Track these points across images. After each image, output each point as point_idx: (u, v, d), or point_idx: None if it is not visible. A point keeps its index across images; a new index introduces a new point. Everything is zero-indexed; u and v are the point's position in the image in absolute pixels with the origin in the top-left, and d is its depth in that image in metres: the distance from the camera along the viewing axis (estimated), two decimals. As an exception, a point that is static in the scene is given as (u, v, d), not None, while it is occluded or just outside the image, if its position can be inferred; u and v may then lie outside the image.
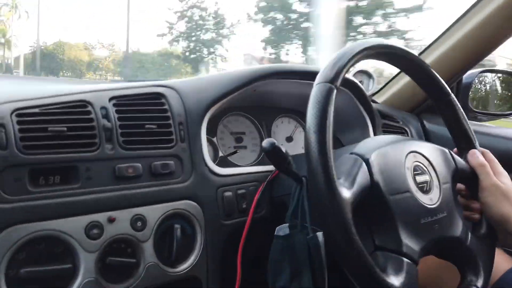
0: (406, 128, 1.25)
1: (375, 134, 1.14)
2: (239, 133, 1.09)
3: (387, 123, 1.20)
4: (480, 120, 1.34)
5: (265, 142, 0.72)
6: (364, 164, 0.64)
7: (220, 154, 1.02)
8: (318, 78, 0.62)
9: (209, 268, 0.81)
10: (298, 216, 0.75)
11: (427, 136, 1.27)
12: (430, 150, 0.75)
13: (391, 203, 0.64)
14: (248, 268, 0.85)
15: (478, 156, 0.78)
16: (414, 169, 0.70)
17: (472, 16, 1.09)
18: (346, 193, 0.59)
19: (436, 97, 0.80)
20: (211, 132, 1.02)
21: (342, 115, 1.15)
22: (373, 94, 1.39)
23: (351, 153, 0.68)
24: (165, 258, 0.76)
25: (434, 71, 0.77)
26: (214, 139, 1.02)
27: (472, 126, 1.18)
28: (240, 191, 0.88)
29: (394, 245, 0.63)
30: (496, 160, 0.80)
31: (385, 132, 1.18)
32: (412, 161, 0.71)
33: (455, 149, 0.83)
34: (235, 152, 1.04)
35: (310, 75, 0.98)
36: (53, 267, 0.64)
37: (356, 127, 1.16)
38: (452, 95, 0.80)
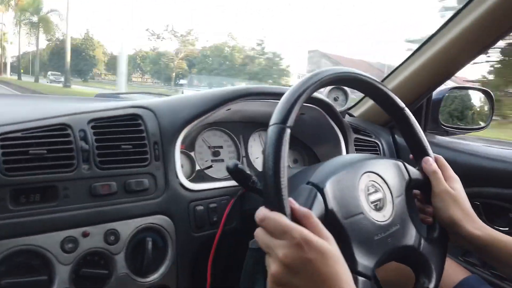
0: (378, 142, 1.32)
1: (347, 148, 1.20)
2: (217, 147, 1.15)
3: (359, 138, 1.26)
4: (451, 135, 1.40)
5: (229, 164, 0.78)
6: (318, 194, 0.68)
7: (197, 167, 1.08)
8: (272, 119, 0.65)
9: (179, 278, 0.88)
10: None
11: (397, 149, 1.33)
12: (383, 166, 0.80)
13: (345, 226, 0.68)
14: (219, 277, 0.91)
15: (431, 164, 0.83)
16: (368, 189, 0.75)
17: (436, 40, 1.15)
18: None
19: (391, 111, 0.85)
20: (190, 146, 1.08)
21: (316, 130, 1.21)
22: (350, 108, 1.45)
23: (308, 183, 0.72)
24: (136, 269, 0.82)
25: (386, 88, 0.81)
26: (192, 153, 1.08)
27: (439, 141, 1.25)
28: (211, 205, 0.94)
29: (349, 264, 0.66)
30: (448, 166, 0.85)
31: (357, 146, 1.24)
32: (366, 181, 0.76)
33: (411, 156, 0.88)
34: (210, 167, 1.10)
35: (279, 96, 1.04)
36: (30, 279, 0.71)
37: (329, 141, 1.22)
38: (406, 109, 0.84)
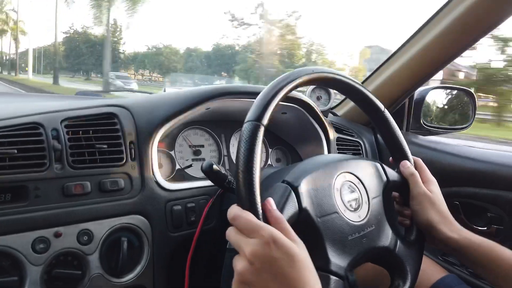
0: (360, 141, 1.32)
1: (328, 148, 1.21)
2: (198, 146, 1.14)
3: (341, 137, 1.26)
4: (433, 134, 1.40)
5: (203, 164, 0.77)
6: (293, 193, 0.68)
7: (177, 167, 1.07)
8: (247, 117, 0.65)
9: (155, 277, 0.87)
10: None
11: (379, 148, 1.33)
12: (361, 167, 0.80)
13: (319, 225, 0.68)
14: (198, 277, 0.91)
15: (409, 167, 0.84)
16: (343, 189, 0.75)
17: (417, 39, 1.15)
18: None
19: (370, 112, 0.85)
20: (170, 145, 1.08)
21: (298, 129, 1.21)
22: (333, 108, 1.45)
23: (283, 181, 0.72)
24: (111, 269, 0.81)
25: (365, 89, 0.81)
26: (172, 152, 1.08)
27: (421, 141, 1.25)
28: (189, 205, 0.94)
29: (322, 263, 0.68)
30: (426, 168, 0.85)
31: (340, 145, 1.24)
32: (342, 181, 0.76)
33: (391, 158, 0.88)
34: (190, 166, 1.09)
35: (256, 95, 1.04)
36: (0, 279, 0.70)
37: (312, 141, 1.22)
38: (386, 110, 0.83)
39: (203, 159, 1.14)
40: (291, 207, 0.67)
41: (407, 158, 0.86)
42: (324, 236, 0.68)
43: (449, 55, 1.13)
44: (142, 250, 0.86)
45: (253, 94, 1.03)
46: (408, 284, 0.76)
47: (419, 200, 0.81)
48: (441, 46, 1.11)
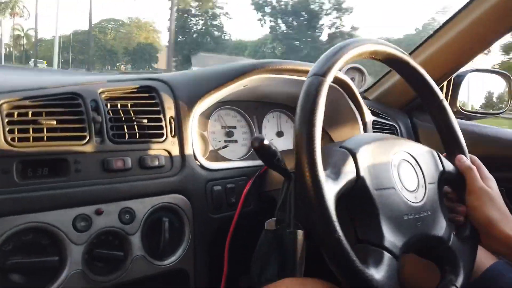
0: (396, 125, 1.27)
1: (365, 131, 1.16)
2: (230, 127, 1.09)
3: (377, 120, 1.21)
4: (470, 119, 1.36)
5: (254, 139, 0.72)
6: (351, 157, 0.65)
7: (211, 148, 1.02)
8: (310, 71, 0.62)
9: (196, 261, 0.82)
10: (286, 210, 0.76)
11: (416, 133, 1.28)
12: (418, 150, 0.76)
13: (375, 198, 0.65)
14: (237, 262, 0.86)
15: (465, 161, 0.79)
16: (401, 167, 0.71)
17: (463, 16, 1.10)
18: (331, 183, 0.60)
19: (428, 100, 0.81)
20: (203, 126, 1.03)
21: (333, 111, 1.16)
22: (365, 91, 1.39)
23: (340, 147, 0.69)
24: (152, 251, 0.76)
25: (427, 75, 0.78)
26: (205, 133, 1.03)
27: (460, 125, 1.20)
28: (229, 185, 0.89)
29: (376, 238, 0.64)
30: (483, 166, 0.81)
31: (375, 129, 1.19)
32: (400, 158, 0.72)
33: (444, 154, 0.83)
34: (225, 147, 1.04)
35: (301, 72, 0.98)
36: (40, 259, 0.65)
37: (346, 123, 1.17)
38: (444, 100, 0.80)
39: (235, 141, 1.10)
40: (349, 172, 0.64)
41: (463, 152, 0.81)
42: (379, 210, 0.65)
43: (495, 34, 1.08)
44: (183, 232, 0.81)
45: (295, 72, 0.98)
46: (460, 280, 0.71)
47: (478, 195, 0.75)
48: (486, 25, 1.06)
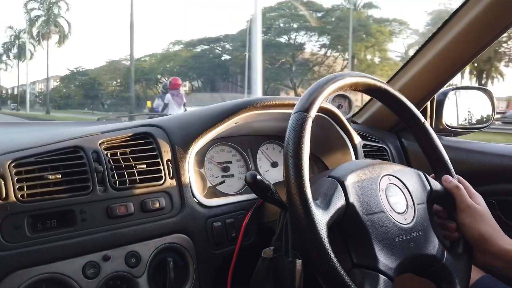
0: (386, 147, 1.31)
1: (356, 155, 1.20)
2: (226, 162, 1.13)
3: (367, 144, 1.26)
4: (455, 135, 1.40)
5: (247, 175, 0.77)
6: (339, 186, 0.69)
7: (209, 184, 1.06)
8: (295, 108, 0.67)
9: None
10: (283, 240, 0.79)
11: (406, 154, 1.33)
12: (404, 172, 0.79)
13: (366, 222, 0.68)
14: None
15: (451, 180, 0.82)
16: (388, 191, 0.75)
17: (438, 40, 1.16)
18: (322, 213, 0.63)
19: (410, 123, 0.85)
20: (199, 163, 1.07)
21: (324, 138, 1.20)
22: (353, 115, 1.45)
23: (329, 177, 0.72)
24: None
25: (407, 101, 0.82)
26: (202, 170, 1.07)
27: (446, 142, 1.24)
28: (228, 220, 0.92)
29: (370, 262, 0.67)
30: (469, 184, 0.84)
31: (366, 152, 1.24)
32: (387, 183, 0.75)
33: (433, 175, 0.86)
34: (222, 182, 1.08)
35: (288, 106, 1.03)
36: None
37: (337, 149, 1.21)
38: (426, 122, 0.83)
39: (232, 175, 1.13)
40: (339, 200, 0.67)
41: (449, 171, 0.84)
42: (371, 234, 0.68)
43: (469, 54, 1.13)
44: (188, 270, 0.84)
45: (283, 106, 1.03)
46: None
47: (468, 213, 0.78)
48: (461, 46, 1.12)
